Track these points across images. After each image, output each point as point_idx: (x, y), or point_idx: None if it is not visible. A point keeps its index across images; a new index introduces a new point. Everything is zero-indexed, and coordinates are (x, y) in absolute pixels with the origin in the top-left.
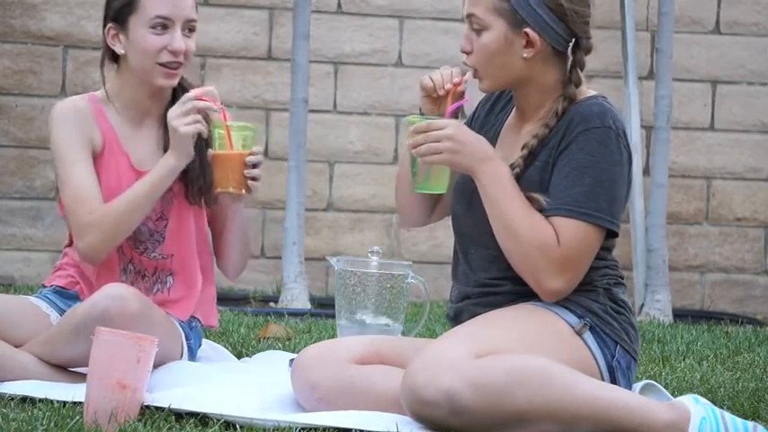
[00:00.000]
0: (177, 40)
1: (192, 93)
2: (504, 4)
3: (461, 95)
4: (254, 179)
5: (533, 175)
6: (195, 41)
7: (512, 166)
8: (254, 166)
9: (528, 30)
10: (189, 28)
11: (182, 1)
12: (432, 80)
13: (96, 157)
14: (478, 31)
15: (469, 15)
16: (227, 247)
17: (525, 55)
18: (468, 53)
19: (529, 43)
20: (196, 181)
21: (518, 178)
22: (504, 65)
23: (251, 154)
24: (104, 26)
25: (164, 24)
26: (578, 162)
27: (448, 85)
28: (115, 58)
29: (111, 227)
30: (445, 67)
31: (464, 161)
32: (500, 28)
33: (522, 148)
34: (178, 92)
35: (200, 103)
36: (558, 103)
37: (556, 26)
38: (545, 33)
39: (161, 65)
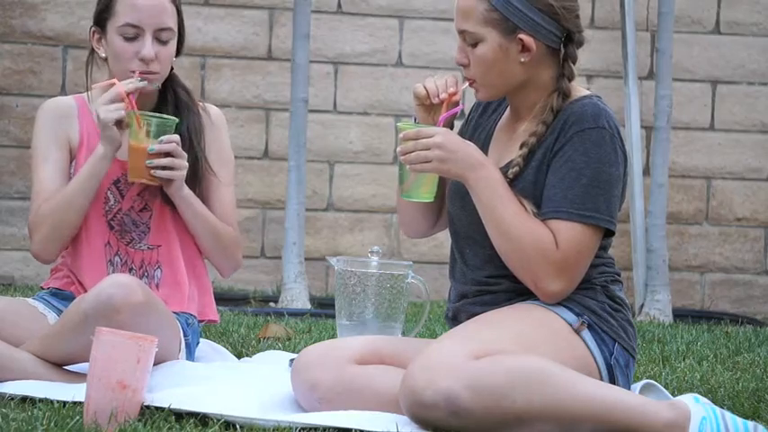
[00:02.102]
0: (146, 47)
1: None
2: (495, 14)
3: (456, 104)
4: (164, 168)
5: (528, 174)
6: (172, 47)
7: (511, 165)
8: (167, 154)
9: (522, 35)
10: (161, 36)
11: (152, 9)
12: (425, 88)
13: (75, 154)
14: (473, 45)
15: (461, 31)
16: (197, 242)
17: (522, 60)
18: (464, 65)
19: (524, 48)
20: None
21: (517, 177)
22: (503, 72)
23: (159, 142)
24: (90, 28)
25: (134, 32)
26: (574, 163)
27: (443, 95)
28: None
29: (53, 221)
30: (439, 76)
31: (454, 169)
32: (494, 38)
33: (522, 146)
34: (168, 92)
35: (122, 87)
36: (552, 98)
37: (548, 26)
38: (539, 35)
39: (133, 72)
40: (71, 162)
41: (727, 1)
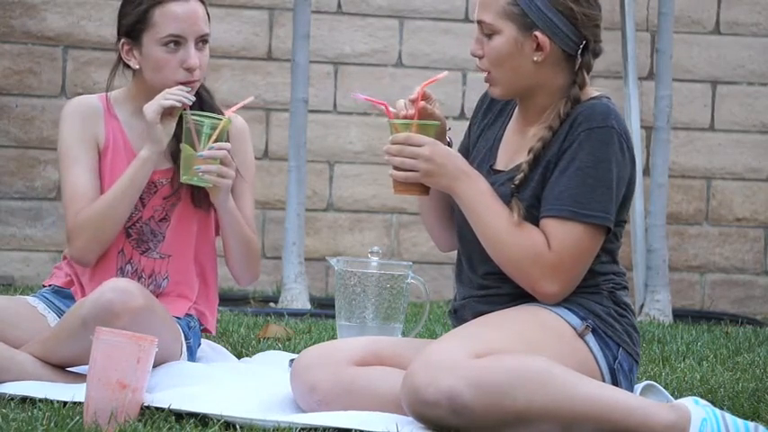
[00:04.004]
0: (191, 57)
1: (172, 89)
2: (514, 8)
3: (426, 111)
4: (219, 174)
5: (535, 180)
6: (208, 51)
7: (518, 170)
8: (222, 161)
9: (537, 33)
10: (202, 41)
11: (193, 17)
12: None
13: (101, 154)
14: (489, 36)
15: (479, 21)
16: (227, 251)
17: (536, 59)
18: (479, 57)
19: (539, 47)
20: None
21: (523, 182)
22: (515, 69)
23: (209, 148)
24: (118, 40)
25: (176, 41)
26: (581, 162)
27: (410, 111)
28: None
29: (96, 227)
30: (399, 104)
31: (441, 181)
32: (510, 32)
33: (529, 152)
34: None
35: (169, 100)
36: (561, 105)
37: (566, 29)
38: (555, 37)
39: (180, 83)
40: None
41: (727, 1)
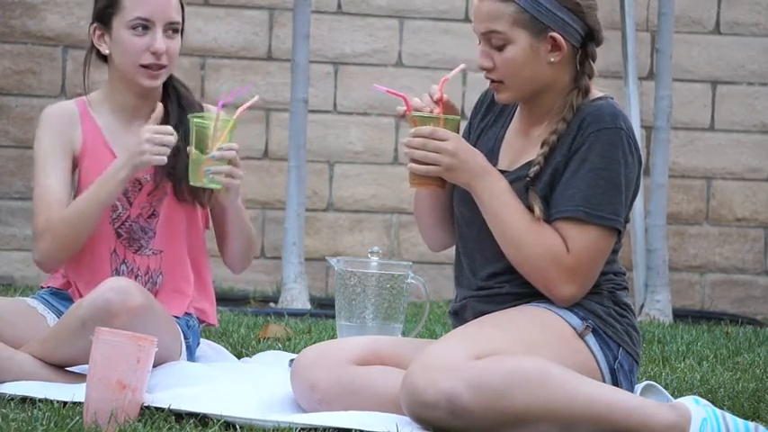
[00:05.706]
0: (158, 41)
1: (170, 128)
2: (524, 15)
3: (448, 104)
4: (229, 175)
5: (546, 175)
6: (179, 42)
7: (532, 164)
8: (231, 162)
9: (554, 34)
10: (171, 29)
11: (163, 3)
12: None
13: (78, 160)
14: (500, 47)
15: (488, 32)
16: (228, 243)
17: (552, 59)
18: (488, 69)
19: (554, 47)
20: (184, 179)
21: (537, 176)
22: (533, 74)
23: (219, 149)
24: (90, 25)
25: (144, 25)
26: (592, 164)
27: (436, 110)
28: (104, 57)
29: (64, 233)
30: (416, 101)
31: (461, 177)
32: (524, 39)
33: (542, 144)
34: (170, 91)
35: (173, 140)
36: (572, 95)
37: (575, 24)
38: (567, 34)
39: (143, 66)
40: (74, 170)
41: (727, 1)
